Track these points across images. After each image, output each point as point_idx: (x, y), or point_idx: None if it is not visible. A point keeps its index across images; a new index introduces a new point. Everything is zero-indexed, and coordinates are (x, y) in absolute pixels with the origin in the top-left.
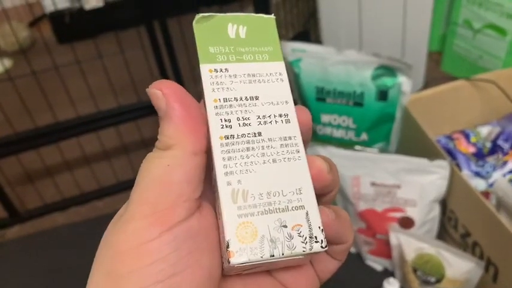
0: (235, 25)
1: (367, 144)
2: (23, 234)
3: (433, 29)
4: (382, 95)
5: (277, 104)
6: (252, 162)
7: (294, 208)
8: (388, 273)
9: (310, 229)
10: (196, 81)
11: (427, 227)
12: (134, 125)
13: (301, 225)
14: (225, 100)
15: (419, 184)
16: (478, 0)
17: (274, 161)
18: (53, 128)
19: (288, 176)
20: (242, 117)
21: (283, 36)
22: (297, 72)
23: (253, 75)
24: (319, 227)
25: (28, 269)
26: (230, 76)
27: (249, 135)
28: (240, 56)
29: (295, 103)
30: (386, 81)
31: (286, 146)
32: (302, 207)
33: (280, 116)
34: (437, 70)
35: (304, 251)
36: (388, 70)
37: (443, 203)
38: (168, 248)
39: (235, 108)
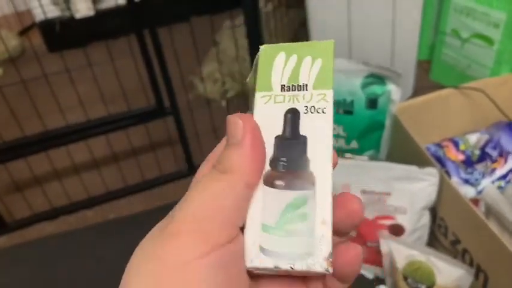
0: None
1: (357, 152)
2: (11, 244)
3: (422, 38)
4: (372, 103)
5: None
6: None
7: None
8: (379, 281)
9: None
10: (187, 90)
11: (417, 234)
12: (124, 134)
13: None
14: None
15: (409, 191)
16: (465, 10)
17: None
18: (42, 137)
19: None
20: None
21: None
22: None
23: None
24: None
25: (16, 279)
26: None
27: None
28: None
29: None
30: (376, 89)
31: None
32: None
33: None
34: (426, 79)
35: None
36: (378, 78)
37: (433, 211)
38: (214, 269)
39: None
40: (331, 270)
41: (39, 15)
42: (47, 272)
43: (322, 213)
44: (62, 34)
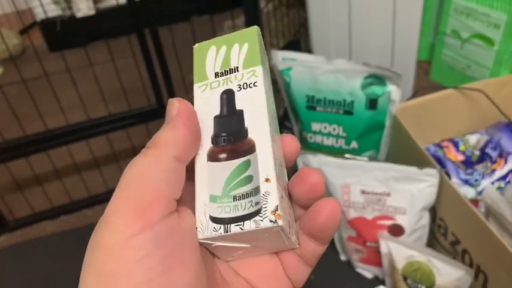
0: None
1: (357, 152)
2: (12, 243)
3: (422, 38)
4: (372, 103)
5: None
6: None
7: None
8: (378, 281)
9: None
10: (188, 90)
11: (417, 234)
12: (125, 133)
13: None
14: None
15: (409, 192)
16: (466, 11)
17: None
18: (43, 136)
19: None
20: None
21: (274, 45)
22: (287, 80)
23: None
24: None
25: (16, 278)
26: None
27: None
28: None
29: (286, 111)
30: (376, 90)
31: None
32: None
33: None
34: (426, 79)
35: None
36: (378, 79)
37: (433, 211)
38: (151, 245)
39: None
40: (280, 222)
41: (40, 14)
42: (47, 271)
43: (265, 171)
44: (63, 33)
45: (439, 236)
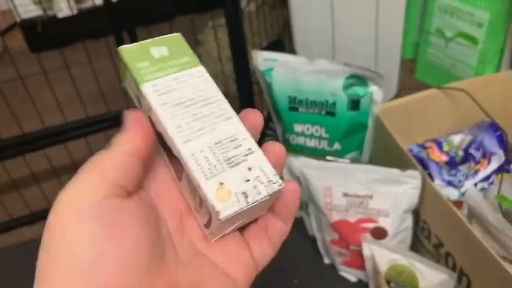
0: (156, 47)
1: (340, 154)
2: None
3: (407, 37)
4: (354, 104)
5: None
6: (200, 129)
7: (248, 160)
8: (362, 284)
9: (267, 176)
10: None
11: (400, 237)
12: (103, 136)
13: (259, 176)
14: (170, 105)
15: (392, 194)
16: (449, 9)
17: (214, 127)
18: (19, 140)
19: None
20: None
21: (256, 45)
22: (269, 81)
23: (182, 81)
24: (273, 173)
25: None
26: (166, 87)
27: (194, 115)
28: (168, 70)
29: (268, 112)
30: (358, 90)
31: (219, 116)
32: (254, 159)
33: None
34: (412, 78)
35: (268, 192)
36: (360, 79)
37: (416, 213)
38: (89, 219)
39: (178, 107)
40: (281, 182)
41: (21, 15)
42: (27, 278)
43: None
44: (44, 34)
45: (423, 238)
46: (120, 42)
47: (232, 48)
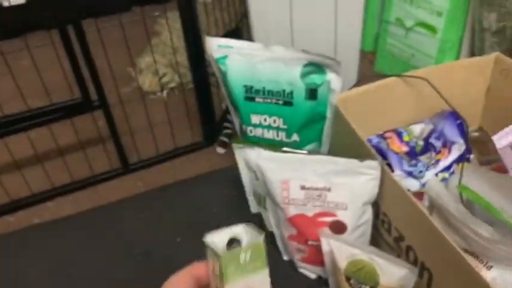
0: (244, 253)
1: (298, 145)
2: None
3: (367, 28)
4: (312, 93)
5: None
6: None
7: None
8: (322, 281)
9: None
10: (124, 83)
11: (360, 231)
12: (47, 131)
13: None
14: None
15: (350, 186)
16: None
17: None
18: None
19: None
20: None
21: (213, 34)
22: (223, 70)
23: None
24: None
25: None
26: None
27: None
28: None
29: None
30: (315, 78)
31: None
32: None
33: None
34: (372, 70)
35: None
36: (317, 67)
37: (376, 206)
38: None
39: None
40: None
41: None
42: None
43: None
44: None
45: (383, 231)
46: (65, 37)
47: (186, 37)
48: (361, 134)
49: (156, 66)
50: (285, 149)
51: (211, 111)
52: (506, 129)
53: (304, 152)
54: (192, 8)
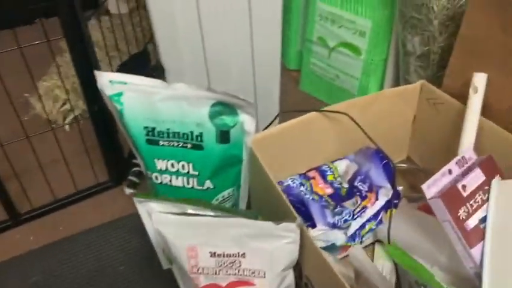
0: None
1: (213, 192)
2: None
3: (290, 46)
4: (223, 136)
5: None
6: None
7: None
8: None
9: None
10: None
11: None
12: None
13: None
14: None
15: (267, 251)
16: (330, 17)
17: None
18: None
19: None
20: None
21: (114, 58)
22: (119, 109)
23: None
24: None
25: None
26: None
27: None
28: None
29: None
30: (226, 120)
31: None
32: None
33: None
34: (296, 90)
35: None
36: (227, 107)
37: (299, 266)
38: None
39: None
40: None
41: None
42: None
43: None
44: None
45: None
46: None
47: (76, 65)
48: (283, 175)
49: (56, 91)
50: (189, 210)
51: (117, 146)
52: (435, 176)
53: (211, 213)
54: (80, 26)
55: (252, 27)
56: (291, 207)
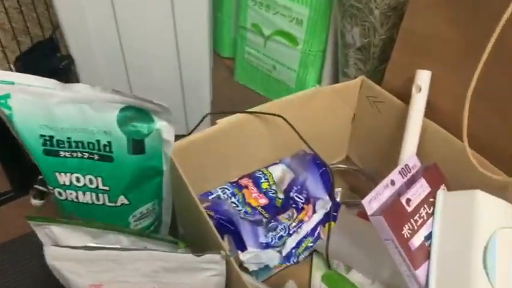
0: None
1: (130, 209)
2: None
3: (224, 31)
4: (137, 145)
5: None
6: None
7: None
8: None
9: None
10: None
11: None
12: None
13: None
14: None
15: (188, 285)
16: (265, 2)
17: None
18: None
19: None
20: None
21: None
22: (7, 114)
23: None
24: None
25: None
26: None
27: None
28: None
29: None
30: (139, 127)
31: None
32: None
33: None
34: (231, 81)
35: None
36: (140, 113)
37: None
38: None
39: None
40: None
41: None
42: None
43: None
44: None
45: None
46: None
47: None
48: (212, 184)
49: None
50: (91, 244)
51: (19, 151)
52: (376, 189)
53: (117, 246)
54: None
55: (173, 8)
56: (217, 234)
